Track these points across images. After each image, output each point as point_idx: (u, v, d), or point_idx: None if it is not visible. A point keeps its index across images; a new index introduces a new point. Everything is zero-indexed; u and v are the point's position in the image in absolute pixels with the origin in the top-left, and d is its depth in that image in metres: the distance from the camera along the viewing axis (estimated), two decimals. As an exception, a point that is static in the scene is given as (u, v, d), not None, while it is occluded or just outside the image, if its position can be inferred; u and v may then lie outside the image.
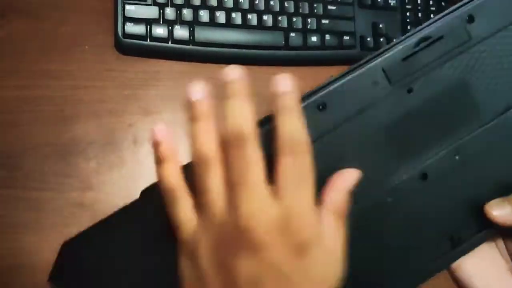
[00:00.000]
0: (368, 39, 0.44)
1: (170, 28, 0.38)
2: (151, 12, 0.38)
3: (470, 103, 0.25)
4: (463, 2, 0.24)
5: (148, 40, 0.38)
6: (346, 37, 0.43)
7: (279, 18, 0.41)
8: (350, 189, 0.22)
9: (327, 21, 0.43)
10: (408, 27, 0.46)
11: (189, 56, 0.39)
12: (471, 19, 0.24)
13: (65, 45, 0.38)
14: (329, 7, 0.43)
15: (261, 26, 0.41)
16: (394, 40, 0.25)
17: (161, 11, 0.38)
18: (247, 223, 0.19)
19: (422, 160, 0.24)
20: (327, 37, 0.43)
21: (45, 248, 0.34)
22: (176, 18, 0.38)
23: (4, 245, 0.34)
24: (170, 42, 0.38)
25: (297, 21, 0.42)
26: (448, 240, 0.25)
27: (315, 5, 0.42)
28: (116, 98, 0.38)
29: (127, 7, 0.37)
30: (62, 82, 0.37)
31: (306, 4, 0.42)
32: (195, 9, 0.39)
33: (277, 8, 0.41)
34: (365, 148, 0.24)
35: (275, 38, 0.41)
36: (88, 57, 0.38)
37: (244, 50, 0.40)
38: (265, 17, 0.41)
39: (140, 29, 0.38)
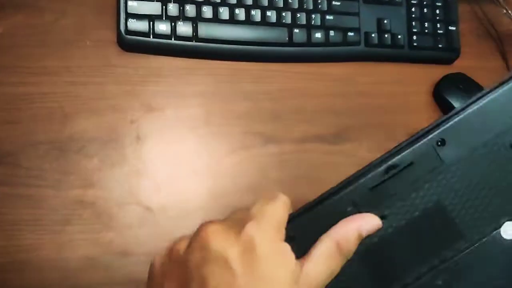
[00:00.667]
0: (373, 35, 0.44)
1: (173, 24, 0.38)
2: (154, 8, 0.37)
3: (449, 226, 0.24)
4: (433, 125, 0.23)
5: (151, 36, 0.37)
6: (350, 33, 0.43)
7: (283, 14, 0.41)
8: (364, 233, 0.22)
9: (331, 17, 0.42)
10: (413, 23, 0.45)
11: (192, 52, 0.39)
12: (442, 142, 0.23)
13: (66, 41, 0.37)
14: (334, 2, 0.42)
15: (264, 22, 0.40)
16: (361, 168, 0.23)
17: (164, 7, 0.38)
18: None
19: (401, 285, 0.23)
20: (332, 33, 0.42)
21: (46, 245, 0.34)
22: (179, 14, 0.38)
23: (5, 242, 0.34)
24: (173, 39, 0.38)
25: (301, 17, 0.41)
26: None
27: (319, 1, 0.42)
28: (118, 94, 0.37)
29: (130, 3, 0.37)
30: (63, 78, 0.37)
31: (310, 0, 0.42)
32: (198, 5, 0.38)
33: (281, 4, 0.41)
34: (341, 274, 0.22)
35: (279, 34, 0.40)
36: (89, 53, 0.38)
37: (247, 47, 0.40)
38: (268, 13, 0.40)
39: (143, 25, 0.37)
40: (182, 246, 0.21)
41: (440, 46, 0.46)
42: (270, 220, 0.20)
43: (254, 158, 0.39)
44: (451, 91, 0.46)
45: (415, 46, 0.45)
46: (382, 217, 0.23)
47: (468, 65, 0.48)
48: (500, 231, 0.24)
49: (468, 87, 0.46)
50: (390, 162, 0.23)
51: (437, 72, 0.47)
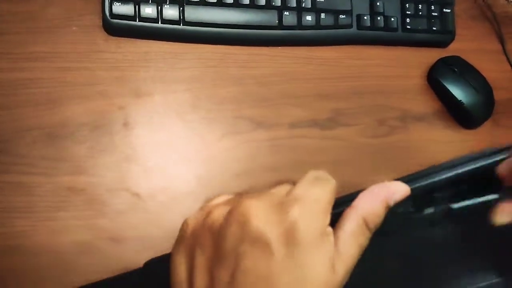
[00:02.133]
0: (365, 17, 0.43)
1: (159, 7, 0.37)
2: (140, -9, 0.37)
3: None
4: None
5: (137, 20, 0.37)
6: (342, 16, 0.42)
7: (273, -4, 0.40)
8: (392, 203, 0.21)
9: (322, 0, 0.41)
10: (407, 5, 0.44)
11: (179, 36, 0.38)
12: None
13: (53, 27, 0.37)
14: (325, -16, 0.42)
15: (253, 5, 0.39)
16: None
17: (150, -10, 0.37)
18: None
19: None
20: (323, 16, 0.41)
21: (39, 231, 0.34)
22: (166, -3, 0.37)
23: (-3, 229, 0.34)
24: (159, 22, 0.37)
25: (291, 0, 0.40)
26: None
27: (310, -17, 0.41)
28: (106, 80, 0.37)
29: (115, -14, 0.36)
30: (50, 64, 0.36)
31: (301, -18, 0.41)
32: (185, -12, 0.38)
33: (271, -14, 0.40)
34: None
35: (269, 17, 0.40)
36: (76, 38, 0.37)
37: (236, 30, 0.39)
38: (258, -5, 0.39)
39: (128, 9, 0.36)
40: (219, 215, 0.20)
41: (434, 28, 0.45)
42: (317, 205, 0.19)
43: (245, 144, 0.39)
44: (446, 75, 0.45)
45: (408, 29, 0.44)
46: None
47: (463, 48, 0.47)
48: None
49: (463, 70, 0.45)
50: None
51: (431, 56, 0.46)
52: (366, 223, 0.20)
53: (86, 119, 0.36)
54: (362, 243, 0.20)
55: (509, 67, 0.48)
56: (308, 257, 0.18)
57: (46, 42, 0.37)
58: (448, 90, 0.44)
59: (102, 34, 0.38)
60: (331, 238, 0.19)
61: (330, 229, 0.20)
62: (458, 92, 0.44)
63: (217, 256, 0.19)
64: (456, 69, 0.45)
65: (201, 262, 0.19)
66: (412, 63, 0.46)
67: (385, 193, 0.21)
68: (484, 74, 0.46)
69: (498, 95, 0.46)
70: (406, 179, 0.21)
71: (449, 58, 0.46)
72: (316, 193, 0.20)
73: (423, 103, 0.45)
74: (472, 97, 0.44)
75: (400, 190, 0.21)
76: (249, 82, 0.40)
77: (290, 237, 0.18)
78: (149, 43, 0.38)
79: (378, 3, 0.43)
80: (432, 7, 0.45)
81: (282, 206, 0.19)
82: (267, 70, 0.41)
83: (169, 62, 0.39)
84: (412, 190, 0.21)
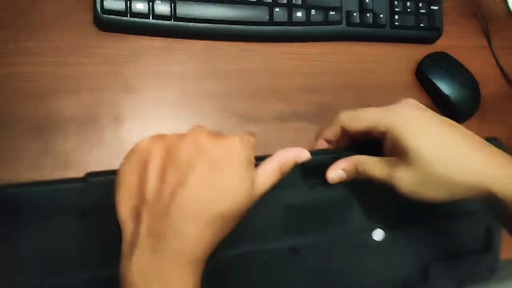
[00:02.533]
0: (355, 14, 0.43)
1: (150, 3, 0.37)
2: (131, -14, 0.37)
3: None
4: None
5: (128, 15, 0.37)
6: (332, 12, 0.42)
7: (264, -8, 0.40)
8: (299, 161, 0.30)
9: (312, -4, 0.42)
10: (395, 2, 0.45)
11: (170, 32, 0.39)
12: None
13: (44, 22, 0.37)
14: (315, -19, 0.42)
15: (245, 1, 0.40)
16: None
17: (141, -15, 0.37)
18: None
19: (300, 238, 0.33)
20: (313, 12, 0.42)
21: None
22: (157, -8, 0.37)
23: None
24: (151, 18, 0.38)
25: (282, -4, 0.41)
26: None
27: (300, -20, 0.41)
28: (96, 75, 0.37)
29: (106, -19, 0.36)
30: (41, 58, 0.36)
31: (291, -21, 0.41)
32: (176, -16, 0.38)
33: (261, -18, 0.40)
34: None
35: (259, 13, 0.40)
36: (68, 33, 0.37)
37: (227, 26, 0.39)
38: (249, -8, 0.40)
39: (119, 4, 0.37)
40: (174, 136, 0.26)
41: (422, 25, 0.46)
42: (249, 142, 0.27)
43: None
44: (434, 70, 0.46)
45: (397, 25, 0.45)
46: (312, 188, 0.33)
47: (451, 44, 0.48)
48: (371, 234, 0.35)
49: (450, 66, 0.46)
50: None
51: (419, 52, 0.47)
52: (280, 168, 0.28)
53: (76, 114, 0.36)
54: (274, 181, 0.28)
55: (495, 62, 0.49)
56: (240, 171, 0.25)
57: (38, 37, 0.37)
58: (436, 85, 0.45)
59: (93, 30, 0.38)
60: (254, 168, 0.27)
61: (254, 162, 0.27)
62: (445, 87, 0.45)
63: (170, 164, 0.24)
64: (442, 65, 0.46)
65: (154, 167, 0.24)
66: (400, 59, 0.46)
67: (295, 152, 0.30)
68: (471, 69, 0.46)
69: (484, 90, 0.47)
70: (312, 152, 0.31)
71: (436, 54, 0.47)
72: (248, 138, 0.28)
73: (412, 98, 0.46)
74: (459, 92, 0.45)
75: (306, 155, 0.31)
76: (238, 78, 0.40)
77: (231, 155, 0.25)
78: (140, 38, 0.39)
79: (367, 0, 0.44)
80: (420, 4, 0.46)
81: (224, 136, 0.26)
82: (257, 65, 0.41)
83: (160, 58, 0.39)
84: (312, 157, 0.31)
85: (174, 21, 0.38)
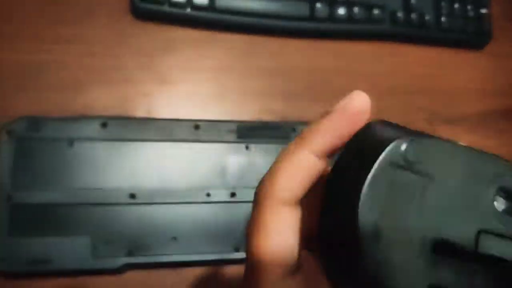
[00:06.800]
0: (399, 14, 0.41)
1: (189, -7, 0.36)
2: (170, -24, 0.36)
3: None
4: None
5: (167, 5, 0.36)
6: (375, 11, 0.40)
7: (305, -13, 0.39)
8: None
9: (356, -7, 0.40)
10: (442, 4, 0.43)
11: (208, 23, 0.37)
12: None
13: (80, 9, 0.36)
14: (359, -22, 0.40)
15: (285, -5, 0.38)
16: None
17: (181, -25, 0.36)
18: None
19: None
20: (355, 9, 0.40)
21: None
22: (196, -17, 0.36)
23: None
24: (189, 8, 0.36)
25: (324, -8, 0.39)
26: None
27: (343, -24, 0.40)
28: (131, 65, 0.36)
29: (146, -30, 0.35)
30: (76, 47, 0.36)
31: (334, -25, 0.39)
32: (217, -25, 0.37)
33: (303, -23, 0.39)
34: None
35: (300, 8, 0.38)
36: (104, 22, 0.36)
37: (266, 20, 0.38)
38: (290, -14, 0.38)
39: (158, -7, 0.36)
40: None
41: (470, 29, 0.43)
42: None
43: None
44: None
45: (443, 28, 0.43)
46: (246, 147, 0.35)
47: (499, 51, 0.45)
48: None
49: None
50: None
51: (466, 57, 0.44)
52: None
53: (110, 105, 0.35)
54: None
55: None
56: None
57: (73, 26, 0.36)
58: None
59: (129, 18, 0.37)
60: None
61: None
62: None
63: None
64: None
65: None
66: (445, 64, 0.44)
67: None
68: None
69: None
70: None
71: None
72: None
73: (454, 105, 0.43)
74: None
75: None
76: (276, 75, 0.39)
77: None
78: (177, 29, 0.37)
79: (412, 0, 0.42)
80: (468, 7, 0.44)
81: None
82: (296, 62, 0.39)
83: (197, 50, 0.37)
84: None
85: (212, 12, 0.37)
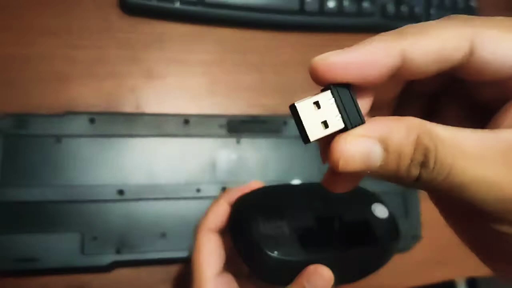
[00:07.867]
0: (389, 6, 0.41)
1: (177, -13, 0.36)
2: (158, -31, 0.35)
3: None
4: None
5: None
6: (365, 4, 0.40)
7: (294, -19, 0.38)
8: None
9: (345, -14, 0.40)
10: (432, -4, 0.43)
11: (196, 18, 0.37)
12: None
13: (67, 2, 0.36)
14: (348, -30, 0.40)
15: (275, -12, 0.38)
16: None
17: (169, -31, 0.36)
18: None
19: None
20: (345, 2, 0.40)
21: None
22: (184, -24, 0.36)
23: None
24: (178, 3, 0.36)
25: (314, -15, 0.39)
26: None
27: (333, -31, 0.39)
28: (118, 59, 0.36)
29: (133, -37, 0.35)
30: (62, 40, 0.35)
31: (324, -33, 0.39)
32: (205, -32, 0.36)
33: (293, -30, 0.38)
34: None
35: (290, 1, 0.38)
36: (91, 15, 0.36)
37: (256, 14, 0.38)
38: (279, -21, 0.38)
39: (145, -13, 0.35)
40: None
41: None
42: None
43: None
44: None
45: (433, 20, 0.43)
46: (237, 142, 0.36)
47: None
48: None
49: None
50: None
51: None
52: None
53: (96, 100, 0.35)
54: None
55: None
56: None
57: (59, 18, 0.35)
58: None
59: (117, 12, 0.36)
60: None
61: None
62: None
63: None
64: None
65: None
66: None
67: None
68: None
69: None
70: None
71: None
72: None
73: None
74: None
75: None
76: (266, 69, 0.38)
77: None
78: (166, 24, 0.37)
79: (402, -8, 0.42)
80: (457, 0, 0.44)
81: None
82: (286, 57, 0.39)
83: (186, 45, 0.37)
84: None
85: (201, 6, 0.36)
